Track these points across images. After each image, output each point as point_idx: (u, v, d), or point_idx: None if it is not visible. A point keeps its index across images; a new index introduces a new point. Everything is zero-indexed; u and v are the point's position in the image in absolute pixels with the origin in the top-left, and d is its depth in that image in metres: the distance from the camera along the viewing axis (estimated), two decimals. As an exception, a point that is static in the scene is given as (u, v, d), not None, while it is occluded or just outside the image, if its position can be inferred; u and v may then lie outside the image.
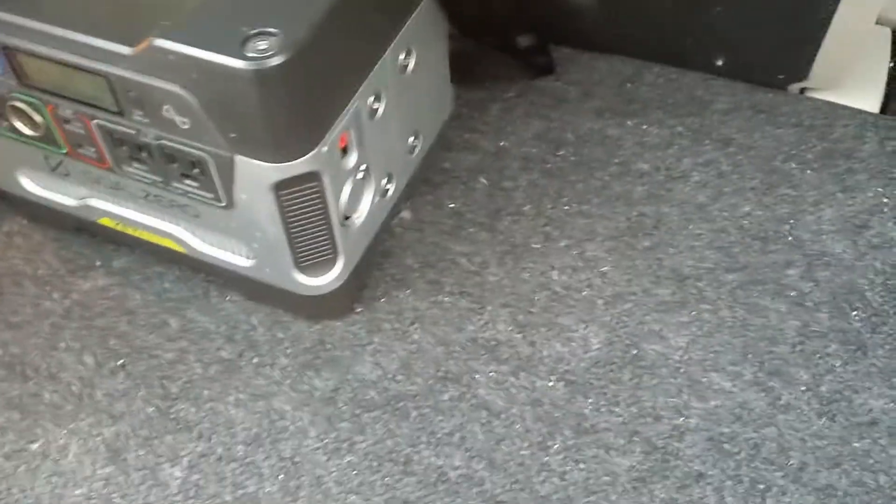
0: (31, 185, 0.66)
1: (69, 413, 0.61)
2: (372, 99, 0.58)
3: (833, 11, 0.71)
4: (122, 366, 0.64)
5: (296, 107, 0.50)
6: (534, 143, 0.76)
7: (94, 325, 0.66)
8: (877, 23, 0.81)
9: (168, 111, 0.51)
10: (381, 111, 0.60)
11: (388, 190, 0.66)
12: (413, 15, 0.61)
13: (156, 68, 0.49)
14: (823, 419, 0.59)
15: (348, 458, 0.59)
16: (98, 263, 0.70)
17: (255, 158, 0.52)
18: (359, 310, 0.66)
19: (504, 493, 0.57)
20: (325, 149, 0.53)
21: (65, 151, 0.60)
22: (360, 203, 0.62)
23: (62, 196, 0.66)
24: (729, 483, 0.56)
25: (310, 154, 0.52)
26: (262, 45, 0.47)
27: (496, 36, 0.73)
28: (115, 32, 0.50)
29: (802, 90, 0.80)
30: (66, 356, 0.64)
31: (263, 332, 0.65)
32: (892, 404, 0.59)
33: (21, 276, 0.69)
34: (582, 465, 0.58)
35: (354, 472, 0.58)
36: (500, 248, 0.69)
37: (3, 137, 0.61)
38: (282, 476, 0.58)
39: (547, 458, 0.58)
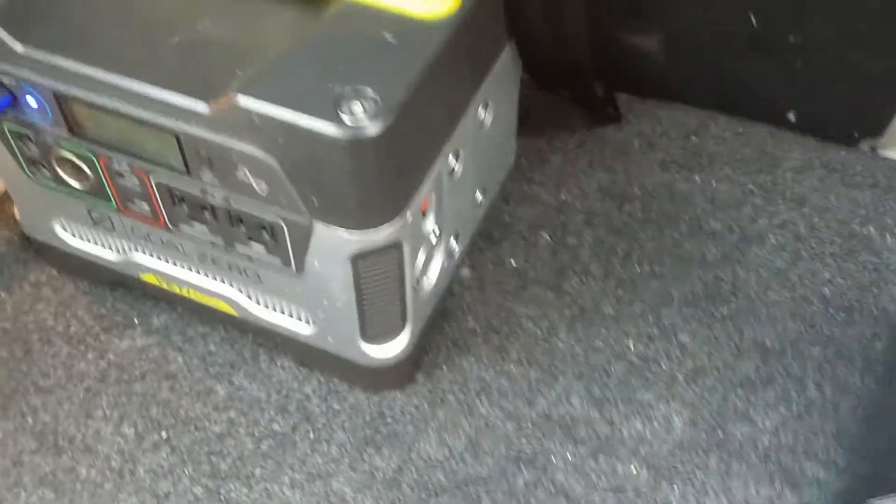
0: (69, 236, 0.61)
1: (109, 492, 0.56)
2: (452, 158, 0.54)
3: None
4: (166, 439, 0.58)
5: (386, 174, 0.45)
6: (597, 197, 0.72)
7: (133, 390, 0.61)
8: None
9: (244, 174, 0.46)
10: (459, 170, 0.55)
11: (454, 250, 0.61)
12: (495, 66, 0.56)
13: (235, 128, 0.44)
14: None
15: (418, 550, 0.54)
16: (136, 321, 0.64)
17: (337, 226, 0.47)
18: (420, 379, 0.61)
19: None
20: (409, 216, 0.49)
21: (114, 207, 0.55)
22: (430, 267, 0.57)
23: (102, 249, 0.61)
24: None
25: (394, 220, 0.48)
26: (358, 108, 0.42)
27: (570, 85, 0.68)
28: (188, 84, 0.45)
29: (873, 148, 0.77)
30: (103, 426, 0.59)
31: (318, 403, 0.60)
32: None
33: (51, 333, 0.63)
34: (673, 562, 0.53)
35: (425, 566, 0.53)
36: (568, 311, 0.65)
37: (43, 186, 0.56)
38: (344, 568, 0.53)
39: (635, 553, 0.54)
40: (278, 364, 0.62)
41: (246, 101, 0.43)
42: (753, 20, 0.67)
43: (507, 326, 0.64)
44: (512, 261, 0.68)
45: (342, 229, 0.47)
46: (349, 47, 0.46)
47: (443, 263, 0.59)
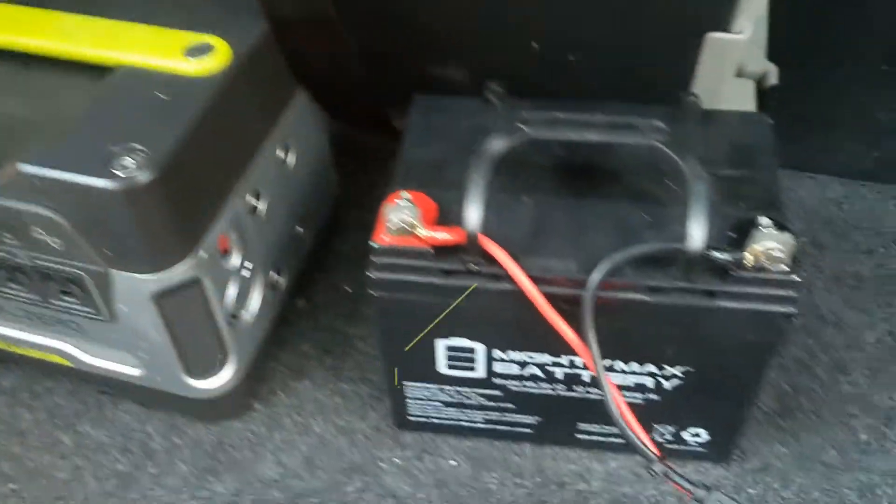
0: None
1: (-44, 549, 0.58)
2: (251, 198, 0.58)
3: None
4: (15, 490, 0.61)
5: (167, 218, 0.50)
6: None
7: (-18, 450, 0.64)
8: None
9: (39, 233, 0.50)
10: (263, 208, 0.60)
11: (277, 282, 0.66)
12: (286, 111, 0.61)
13: (23, 193, 0.49)
14: None
15: (255, 565, 0.57)
16: (-17, 384, 0.67)
17: (132, 271, 0.51)
18: (257, 406, 0.65)
19: (416, 582, 0.56)
20: (202, 254, 0.53)
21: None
22: (249, 300, 0.62)
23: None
24: None
25: (187, 259, 0.52)
26: (129, 162, 0.47)
27: (367, 120, 0.73)
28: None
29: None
30: (-49, 487, 0.61)
31: (160, 440, 0.63)
32: None
33: None
34: (491, 544, 0.58)
35: (262, 578, 0.57)
36: (397, 328, 0.70)
37: None
38: (187, 591, 0.56)
39: (457, 540, 0.58)
40: (121, 409, 0.65)
41: (27, 169, 0.48)
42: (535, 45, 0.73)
43: (339, 348, 0.69)
44: (346, 287, 0.73)
45: (137, 274, 0.51)
46: (123, 109, 0.51)
47: (265, 296, 0.63)
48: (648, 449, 0.47)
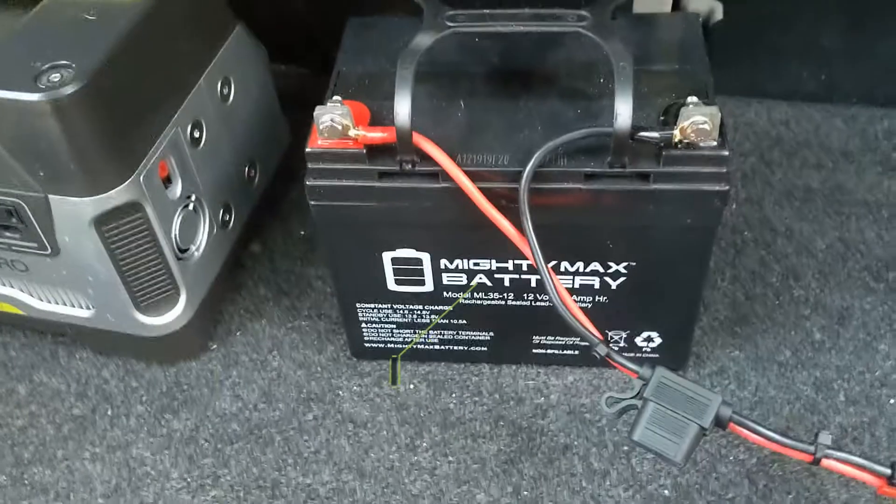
0: None
1: (-90, 498, 0.58)
2: (191, 127, 0.58)
3: None
4: (-32, 441, 0.61)
5: (100, 136, 0.50)
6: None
7: (-65, 404, 0.63)
8: None
9: (-29, 160, 0.50)
10: (204, 139, 0.60)
11: (228, 221, 0.66)
12: (225, 44, 0.62)
13: (-49, 117, 0.48)
14: None
15: (213, 493, 0.57)
16: (-65, 343, 0.67)
17: (69, 195, 0.51)
18: (214, 347, 0.65)
19: (376, 500, 0.56)
20: (142, 177, 0.53)
21: None
22: (196, 235, 0.62)
23: None
24: None
25: (126, 183, 0.52)
26: (56, 77, 0.47)
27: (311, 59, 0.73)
28: None
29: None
30: None
31: (116, 384, 0.63)
32: None
33: None
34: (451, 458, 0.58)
35: (221, 506, 0.56)
36: (352, 266, 0.70)
37: None
38: (145, 522, 0.56)
39: (416, 457, 0.58)
40: (77, 357, 0.65)
41: (-46, 89, 0.47)
42: None
43: (297, 288, 0.69)
44: (301, 231, 0.73)
45: (75, 198, 0.51)
46: (50, 31, 0.51)
47: (216, 234, 0.63)
48: (591, 333, 0.47)
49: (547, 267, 0.47)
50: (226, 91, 0.62)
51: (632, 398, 0.46)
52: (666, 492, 0.55)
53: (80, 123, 0.48)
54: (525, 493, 0.56)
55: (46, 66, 0.48)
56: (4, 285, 0.61)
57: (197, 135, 0.59)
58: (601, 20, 0.49)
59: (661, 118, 0.49)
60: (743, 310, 0.64)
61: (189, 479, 0.58)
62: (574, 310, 0.47)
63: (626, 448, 0.57)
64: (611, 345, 0.59)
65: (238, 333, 0.66)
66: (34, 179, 0.51)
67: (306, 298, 0.68)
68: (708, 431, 0.44)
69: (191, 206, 0.60)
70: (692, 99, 0.48)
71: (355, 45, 0.57)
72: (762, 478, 0.55)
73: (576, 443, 0.58)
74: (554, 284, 0.47)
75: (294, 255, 0.71)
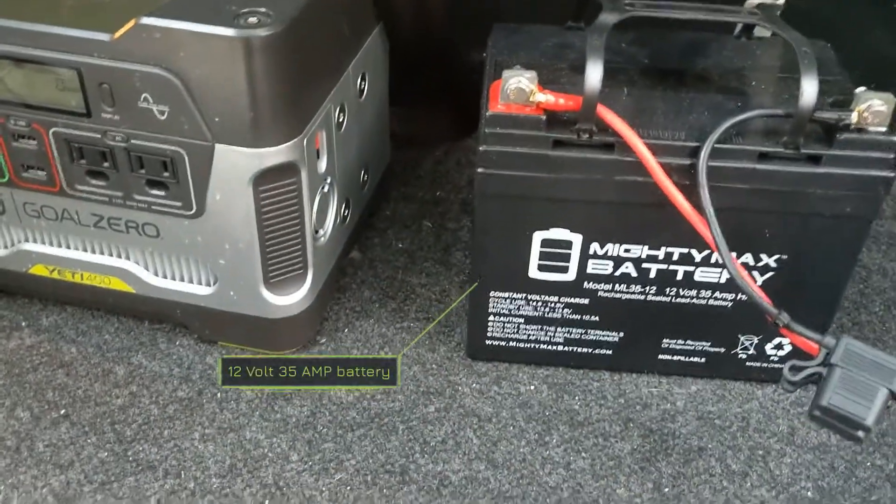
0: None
1: (6, 468, 0.53)
2: (338, 110, 0.59)
3: None
4: (65, 415, 0.57)
5: (283, 85, 0.50)
6: (471, 189, 0.78)
7: (26, 380, 0.59)
8: None
9: (145, 100, 0.50)
10: (344, 124, 0.60)
11: (346, 216, 0.65)
12: (368, 40, 0.63)
13: (138, 52, 0.48)
14: None
15: (339, 476, 0.54)
16: (23, 324, 0.63)
17: (237, 145, 0.50)
18: (322, 341, 0.63)
19: (512, 490, 0.53)
20: (305, 140, 0.53)
21: (5, 180, 0.56)
22: (325, 219, 0.61)
23: (-11, 243, 0.60)
24: None
25: (293, 141, 0.52)
26: (252, 20, 0.48)
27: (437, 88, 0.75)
28: (89, 22, 0.49)
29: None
30: (-6, 413, 0.57)
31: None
32: None
33: (-68, 341, 0.61)
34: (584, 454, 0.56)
35: (348, 489, 0.53)
36: (457, 278, 0.69)
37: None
38: (267, 502, 0.52)
39: (548, 452, 0.56)
40: (177, 344, 0.62)
41: (148, 21, 0.48)
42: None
43: (401, 293, 0.68)
44: (399, 244, 0.73)
45: (242, 148, 0.51)
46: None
47: (335, 220, 0.62)
48: (768, 303, 0.47)
49: (724, 245, 0.48)
50: (362, 86, 0.63)
51: (817, 366, 0.45)
52: (809, 493, 0.54)
53: (269, 68, 0.48)
54: (666, 489, 0.54)
55: (245, 10, 0.48)
56: (120, 256, 0.59)
57: (340, 119, 0.60)
58: (771, 15, 0.52)
59: (830, 106, 0.51)
60: (853, 333, 0.65)
61: (311, 463, 0.54)
62: (749, 280, 0.47)
63: (761, 452, 0.56)
64: (739, 355, 0.59)
65: (346, 330, 0.64)
66: (207, 125, 0.50)
67: (412, 302, 0.67)
68: (897, 396, 0.44)
69: (326, 188, 0.60)
70: (862, 89, 0.50)
71: (505, 44, 0.59)
72: (902, 486, 0.54)
73: (710, 445, 0.57)
74: (733, 260, 0.47)
75: (395, 265, 0.70)
